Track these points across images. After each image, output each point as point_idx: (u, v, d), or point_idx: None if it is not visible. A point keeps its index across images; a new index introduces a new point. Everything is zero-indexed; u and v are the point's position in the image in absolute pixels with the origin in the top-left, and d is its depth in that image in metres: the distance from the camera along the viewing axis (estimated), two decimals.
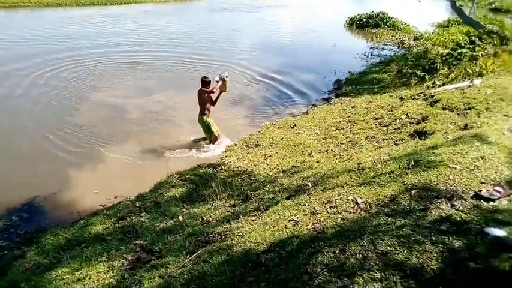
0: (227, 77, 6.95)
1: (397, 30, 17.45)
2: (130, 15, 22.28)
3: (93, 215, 4.79)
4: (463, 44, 9.71)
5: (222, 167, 5.92)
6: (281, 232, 3.30)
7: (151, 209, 4.73)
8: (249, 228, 3.56)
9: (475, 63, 8.26)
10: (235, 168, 5.81)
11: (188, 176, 5.59)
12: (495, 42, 9.51)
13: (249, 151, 6.49)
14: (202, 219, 4.22)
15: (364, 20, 18.70)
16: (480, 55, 8.63)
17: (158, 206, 4.76)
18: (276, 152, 6.23)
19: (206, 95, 6.84)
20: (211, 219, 4.16)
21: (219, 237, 3.63)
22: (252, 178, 5.35)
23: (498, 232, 2.62)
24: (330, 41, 15.38)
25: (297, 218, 3.50)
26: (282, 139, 6.71)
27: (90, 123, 7.94)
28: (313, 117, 7.72)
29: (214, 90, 6.90)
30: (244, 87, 10.32)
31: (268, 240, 3.23)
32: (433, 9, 22.10)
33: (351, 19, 19.32)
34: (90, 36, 16.35)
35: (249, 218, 3.84)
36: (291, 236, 3.17)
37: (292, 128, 7.26)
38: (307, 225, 3.29)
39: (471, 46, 9.48)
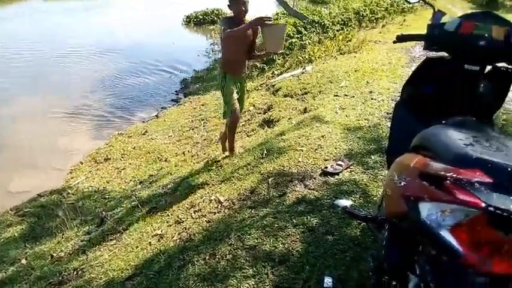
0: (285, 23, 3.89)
1: None
2: None
3: None
4: (292, 35, 10.59)
5: (69, 190, 5.20)
6: (146, 251, 3.04)
7: None
8: (109, 255, 3.18)
9: (305, 51, 9.11)
10: (85, 190, 5.18)
11: (27, 209, 4.76)
12: (318, 30, 10.63)
13: (98, 167, 5.88)
14: (52, 256, 3.63)
15: (201, 17, 18.89)
16: (307, 43, 9.57)
17: None
18: (130, 163, 5.79)
19: (224, 33, 3.84)
20: (63, 255, 3.61)
21: (75, 273, 3.15)
22: (106, 197, 4.84)
23: (345, 202, 2.89)
24: (170, 40, 15.14)
25: (161, 231, 3.28)
26: (134, 148, 6.29)
27: None
28: (165, 120, 7.45)
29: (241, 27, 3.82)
30: (83, 96, 9.35)
31: (132, 263, 2.94)
32: (261, 2, 23.65)
33: (187, 17, 19.31)
34: None
35: (107, 244, 3.44)
36: (158, 252, 2.94)
37: (144, 134, 6.86)
38: (173, 237, 3.11)
39: (299, 36, 10.42)
